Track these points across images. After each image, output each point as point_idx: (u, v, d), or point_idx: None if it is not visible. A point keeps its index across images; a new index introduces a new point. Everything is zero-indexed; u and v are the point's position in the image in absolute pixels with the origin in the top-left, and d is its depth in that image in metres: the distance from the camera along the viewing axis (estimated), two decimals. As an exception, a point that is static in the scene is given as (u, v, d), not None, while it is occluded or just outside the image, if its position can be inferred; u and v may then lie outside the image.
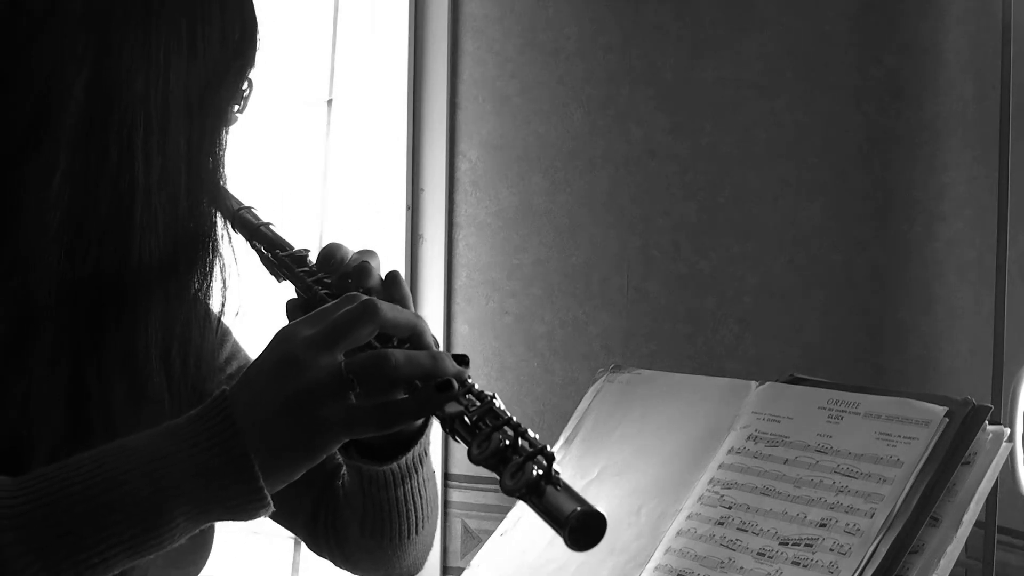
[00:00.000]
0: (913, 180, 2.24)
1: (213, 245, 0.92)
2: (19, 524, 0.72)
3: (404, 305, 0.87)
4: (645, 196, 2.39)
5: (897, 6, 2.24)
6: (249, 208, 0.98)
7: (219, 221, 0.93)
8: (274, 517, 1.09)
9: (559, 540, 1.10)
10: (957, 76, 2.20)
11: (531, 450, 0.75)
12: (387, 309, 0.79)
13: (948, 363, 2.21)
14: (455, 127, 2.49)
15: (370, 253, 0.91)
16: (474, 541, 2.46)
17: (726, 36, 2.34)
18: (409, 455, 0.95)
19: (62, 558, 0.72)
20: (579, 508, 0.72)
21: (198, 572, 1.01)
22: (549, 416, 2.41)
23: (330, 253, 0.92)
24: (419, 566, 1.07)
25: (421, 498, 1.00)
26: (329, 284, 0.90)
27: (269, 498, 0.76)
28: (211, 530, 1.00)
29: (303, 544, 1.13)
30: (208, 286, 0.93)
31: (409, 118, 2.50)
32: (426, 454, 0.98)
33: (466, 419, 0.77)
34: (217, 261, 0.93)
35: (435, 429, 1.03)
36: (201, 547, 1.00)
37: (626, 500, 1.10)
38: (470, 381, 0.79)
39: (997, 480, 0.99)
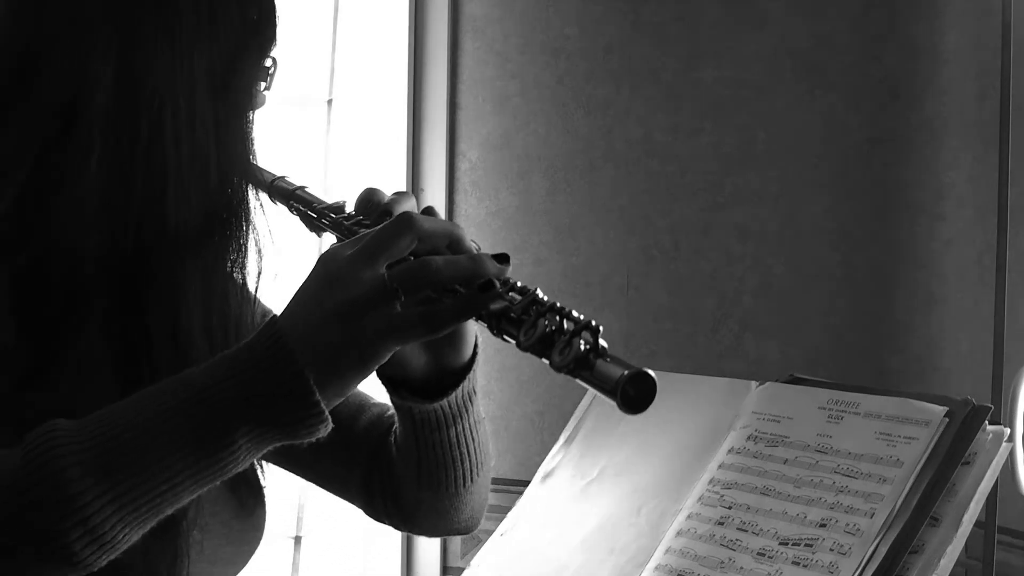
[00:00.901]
0: (913, 180, 2.24)
1: (246, 218, 0.95)
2: (85, 459, 0.73)
3: None
4: (645, 196, 2.39)
5: (897, 6, 2.24)
6: (283, 177, 1.01)
7: (251, 195, 0.96)
8: (329, 487, 1.12)
9: (559, 540, 1.11)
10: (957, 76, 2.20)
11: (576, 327, 0.76)
12: (423, 219, 0.81)
13: (948, 363, 2.21)
14: (455, 127, 2.49)
15: (405, 195, 0.93)
16: (474, 541, 2.46)
17: (726, 36, 2.34)
18: (459, 391, 0.96)
19: (130, 488, 0.74)
20: (626, 372, 0.72)
21: (251, 553, 1.02)
22: (549, 416, 2.41)
23: (367, 197, 0.94)
24: (476, 521, 1.08)
25: (474, 441, 1.00)
26: (368, 225, 0.92)
27: (327, 413, 0.77)
28: (263, 510, 1.02)
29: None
30: (243, 258, 0.95)
31: (409, 118, 2.50)
32: (475, 393, 0.99)
33: (512, 313, 0.78)
34: (251, 233, 0.95)
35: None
36: (254, 527, 1.01)
37: (626, 500, 1.10)
38: (511, 280, 0.81)
39: (997, 480, 0.99)
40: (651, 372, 0.72)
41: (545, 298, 0.79)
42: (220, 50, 0.92)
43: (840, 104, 2.28)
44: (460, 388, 0.96)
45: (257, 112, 0.99)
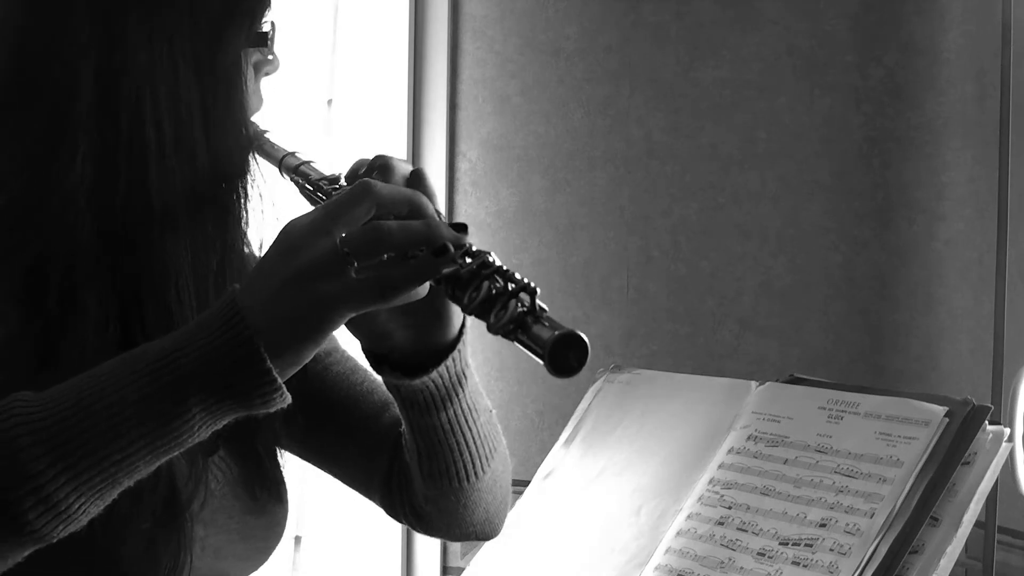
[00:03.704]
0: (913, 180, 2.24)
1: (245, 193, 0.95)
2: (36, 428, 0.73)
3: (431, 201, 0.87)
4: (645, 196, 2.39)
5: (897, 6, 2.24)
6: (293, 153, 1.01)
7: (255, 168, 0.96)
8: (352, 484, 1.10)
9: (559, 540, 1.11)
10: (957, 76, 2.20)
11: (514, 288, 0.75)
12: (382, 186, 0.80)
13: (948, 363, 2.21)
14: (455, 127, 2.49)
15: (391, 163, 0.93)
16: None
17: (726, 36, 2.34)
18: (443, 369, 0.93)
19: (81, 458, 0.73)
20: (556, 333, 0.71)
21: (267, 550, 1.02)
22: (549, 416, 2.41)
23: (357, 167, 0.94)
24: (493, 524, 1.05)
25: (471, 430, 0.98)
26: None
27: (280, 383, 0.76)
28: (280, 507, 1.02)
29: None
30: (240, 232, 0.95)
31: (409, 118, 2.50)
32: (466, 377, 0.97)
33: (461, 276, 0.77)
34: (245, 209, 0.95)
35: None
36: (269, 525, 1.01)
37: (626, 500, 1.10)
38: (469, 244, 0.79)
39: (997, 480, 0.99)
40: (582, 335, 0.72)
41: (496, 262, 0.78)
42: (201, 30, 0.91)
43: (840, 104, 2.28)
44: (444, 366, 0.94)
45: (261, 109, 1.00)
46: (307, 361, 0.79)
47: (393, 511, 1.09)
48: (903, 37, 2.24)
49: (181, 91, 0.90)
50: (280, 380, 0.76)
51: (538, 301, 0.74)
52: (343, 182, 0.95)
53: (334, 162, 0.94)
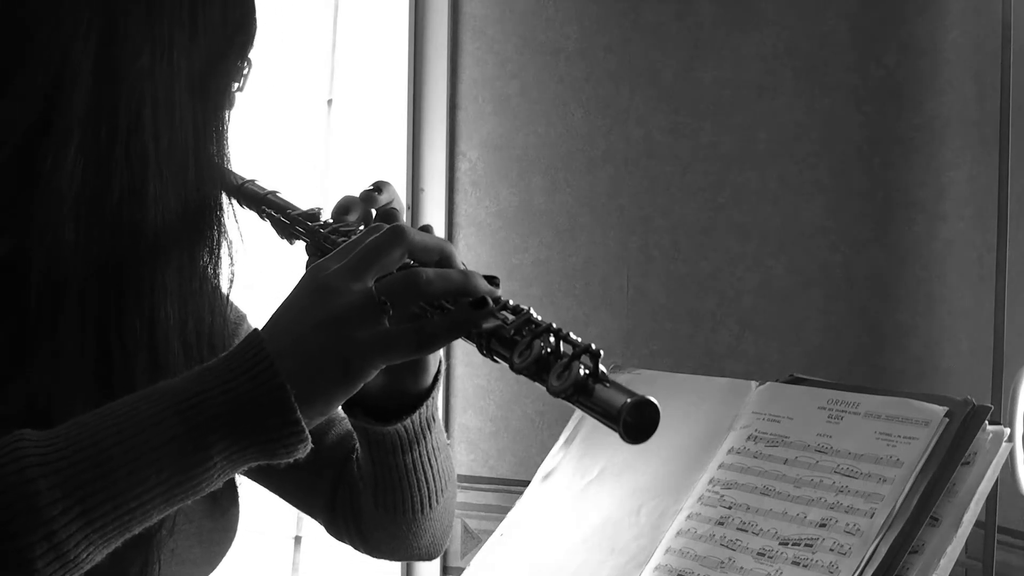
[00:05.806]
0: (913, 180, 2.24)
1: (219, 222, 0.93)
2: (53, 470, 0.70)
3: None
4: (645, 196, 2.39)
5: (897, 6, 2.24)
6: (252, 180, 0.98)
7: (223, 199, 0.94)
8: (294, 501, 1.09)
9: (559, 540, 1.11)
10: (957, 76, 2.20)
11: (576, 350, 0.72)
12: (414, 233, 0.78)
13: (948, 363, 2.21)
14: (455, 127, 2.49)
15: (394, 211, 0.91)
16: (474, 541, 2.46)
17: (726, 36, 2.34)
18: (415, 417, 0.93)
19: (99, 503, 0.70)
20: (629, 400, 0.69)
21: (222, 554, 0.99)
22: (549, 416, 2.41)
23: (344, 207, 0.92)
24: (438, 546, 1.05)
25: (432, 468, 0.98)
26: (348, 234, 0.89)
27: (307, 432, 0.74)
28: (236, 509, 1.00)
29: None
30: (216, 262, 0.93)
31: (409, 118, 2.50)
32: (435, 420, 0.96)
33: (504, 332, 0.75)
34: (224, 238, 0.93)
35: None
36: (226, 527, 0.99)
37: (626, 500, 1.10)
38: (503, 299, 0.78)
39: (997, 480, 0.99)
40: (654, 400, 0.69)
41: (540, 319, 0.76)
42: (200, 48, 0.90)
43: (840, 104, 2.28)
44: (417, 414, 0.93)
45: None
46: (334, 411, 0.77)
47: (336, 531, 1.07)
48: (903, 37, 2.24)
49: (177, 103, 0.89)
50: (307, 431, 0.74)
51: (601, 365, 0.72)
52: (326, 218, 0.93)
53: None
